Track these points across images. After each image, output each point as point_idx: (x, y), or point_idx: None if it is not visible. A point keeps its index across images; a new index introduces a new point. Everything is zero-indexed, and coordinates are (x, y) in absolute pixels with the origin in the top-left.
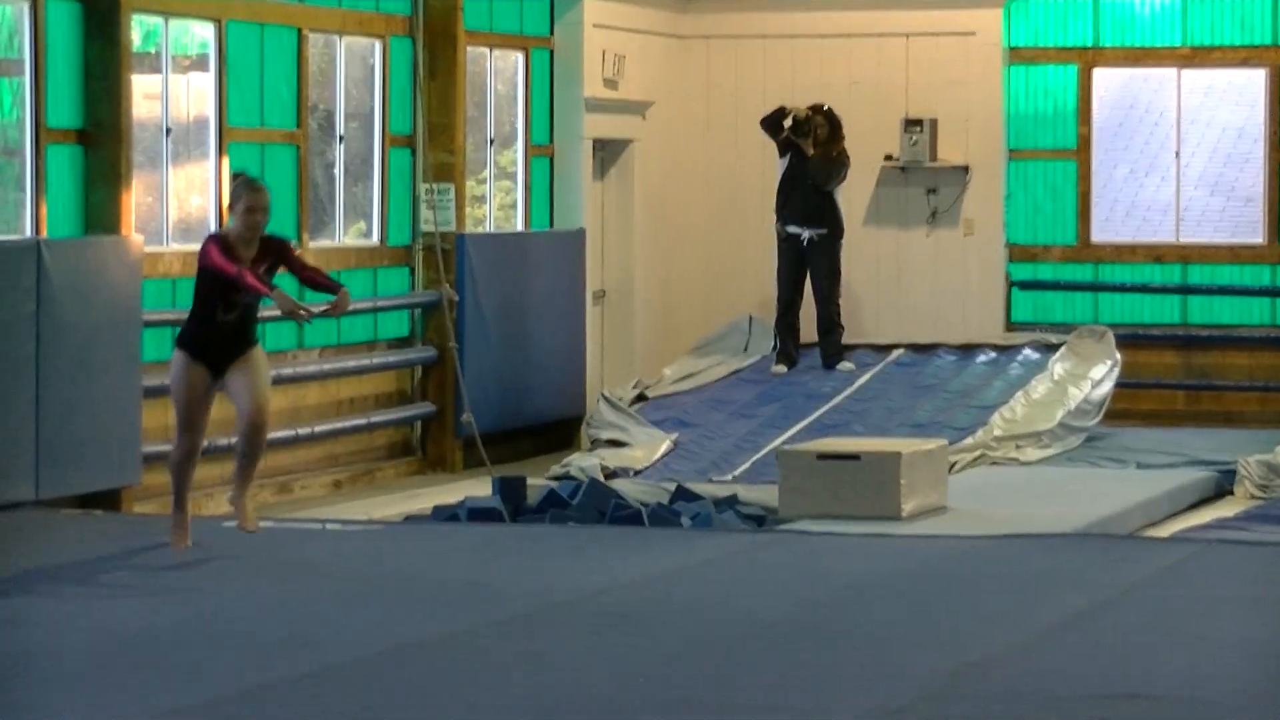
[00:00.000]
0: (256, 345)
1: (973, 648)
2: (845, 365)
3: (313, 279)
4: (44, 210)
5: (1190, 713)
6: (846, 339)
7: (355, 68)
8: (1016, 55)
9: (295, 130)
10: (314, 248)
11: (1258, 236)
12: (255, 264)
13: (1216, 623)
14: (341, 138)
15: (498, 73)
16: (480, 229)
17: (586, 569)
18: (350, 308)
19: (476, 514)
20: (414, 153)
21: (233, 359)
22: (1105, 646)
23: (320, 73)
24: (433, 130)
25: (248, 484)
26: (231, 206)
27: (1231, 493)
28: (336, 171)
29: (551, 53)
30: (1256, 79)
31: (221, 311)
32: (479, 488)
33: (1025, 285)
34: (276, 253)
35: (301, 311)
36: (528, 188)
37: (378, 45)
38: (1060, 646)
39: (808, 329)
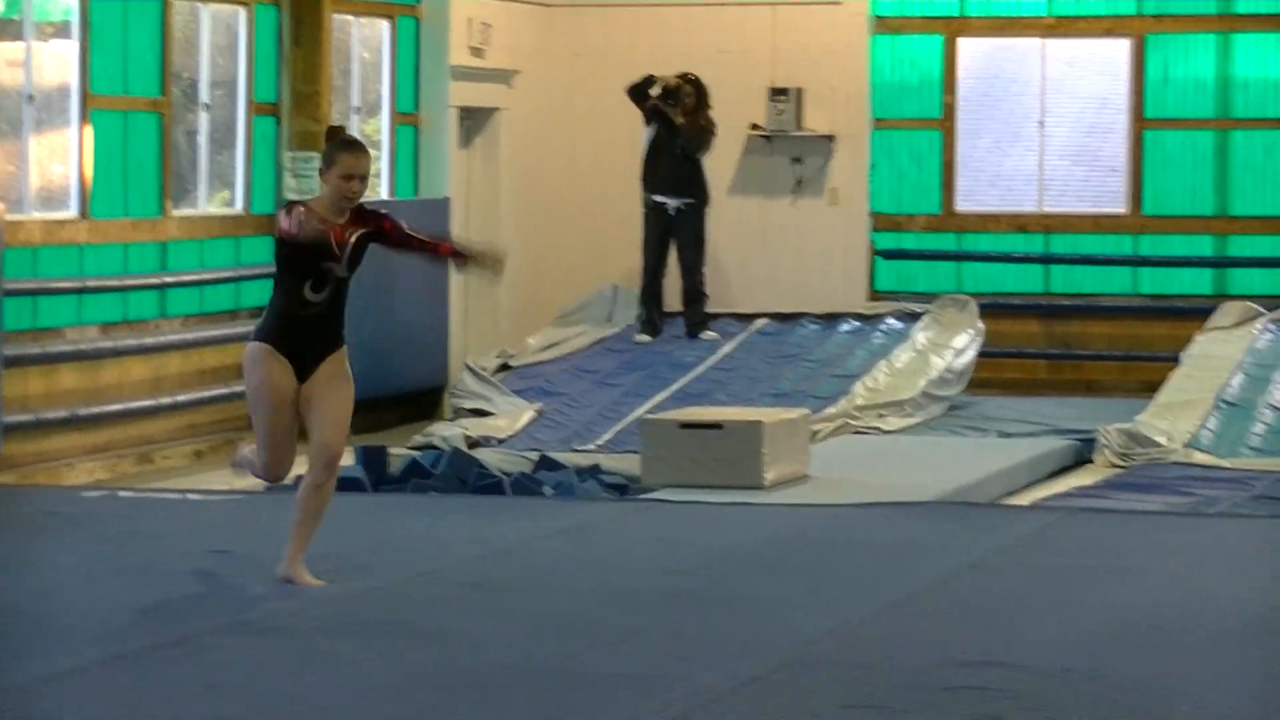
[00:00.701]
0: (344, 348)
1: (833, 616)
2: (709, 334)
3: (421, 245)
4: None
5: (1049, 680)
6: (711, 308)
7: (220, 35)
8: (882, 24)
9: (159, 98)
10: (177, 215)
11: (1120, 206)
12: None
13: (1076, 590)
14: (206, 105)
15: (364, 40)
16: None
17: (449, 538)
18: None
19: (339, 483)
20: (279, 121)
21: (320, 358)
22: (965, 614)
23: (185, 40)
24: (298, 98)
25: (308, 542)
26: (324, 170)
27: (1091, 461)
28: (200, 140)
29: (418, 20)
30: (1120, 49)
31: (311, 289)
32: (342, 458)
33: (889, 254)
34: (373, 225)
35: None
36: (393, 156)
37: (243, 12)
38: (920, 614)
39: (672, 298)
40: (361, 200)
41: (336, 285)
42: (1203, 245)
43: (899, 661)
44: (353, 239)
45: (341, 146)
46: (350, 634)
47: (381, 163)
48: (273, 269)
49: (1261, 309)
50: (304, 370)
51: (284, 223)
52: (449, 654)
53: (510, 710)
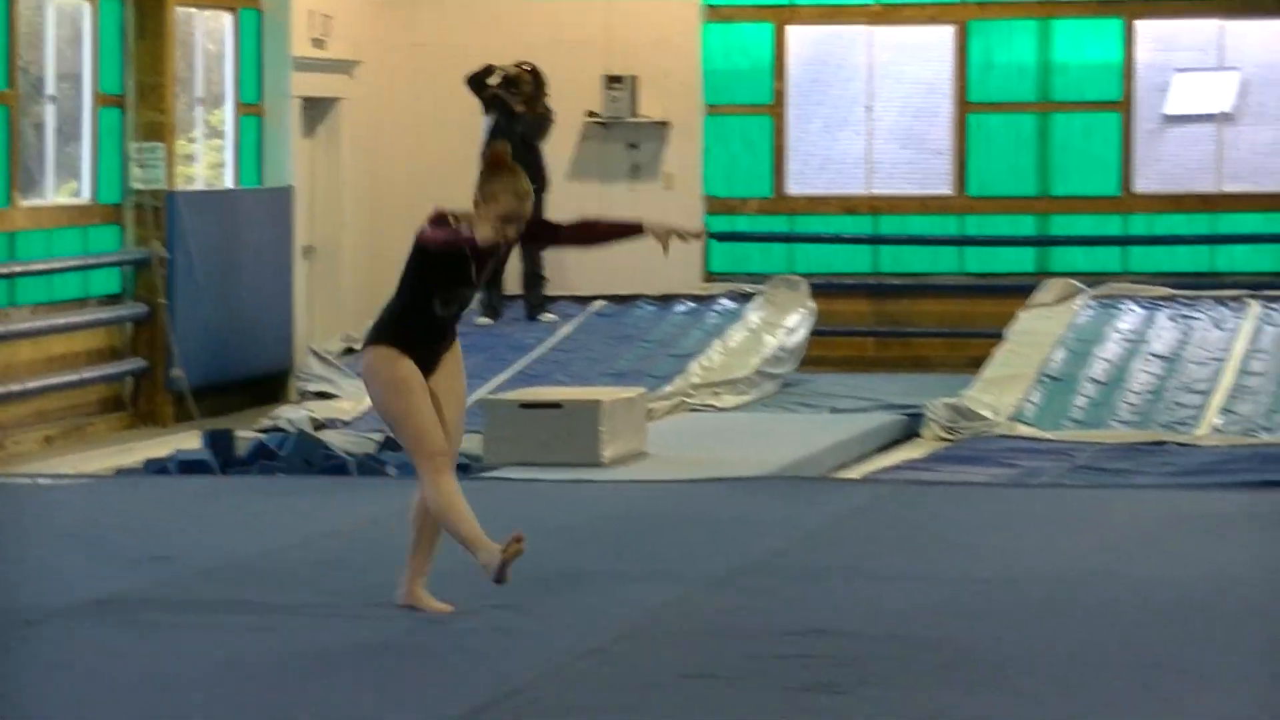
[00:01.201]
0: (458, 344)
1: (670, 588)
2: (548, 316)
3: (586, 234)
4: None
5: (878, 648)
6: (549, 291)
7: (65, 28)
8: (714, 13)
9: (6, 91)
10: (25, 206)
11: (946, 188)
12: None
13: (905, 560)
14: (52, 98)
15: (208, 33)
16: (191, 187)
17: (294, 519)
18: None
19: (187, 466)
20: (124, 112)
21: (438, 359)
22: (798, 585)
23: (31, 33)
24: (142, 90)
25: (430, 563)
26: (481, 201)
27: (920, 435)
28: (47, 131)
29: (260, 13)
30: (944, 35)
31: (440, 305)
32: (190, 441)
33: (722, 237)
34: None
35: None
36: (237, 146)
37: (87, 6)
38: (755, 584)
39: (512, 281)
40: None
41: (465, 301)
42: (1025, 225)
43: (734, 631)
44: (489, 268)
45: (505, 186)
46: (198, 612)
47: (226, 153)
48: (118, 256)
49: (1082, 286)
50: (426, 370)
51: (439, 234)
52: (295, 630)
53: (353, 683)
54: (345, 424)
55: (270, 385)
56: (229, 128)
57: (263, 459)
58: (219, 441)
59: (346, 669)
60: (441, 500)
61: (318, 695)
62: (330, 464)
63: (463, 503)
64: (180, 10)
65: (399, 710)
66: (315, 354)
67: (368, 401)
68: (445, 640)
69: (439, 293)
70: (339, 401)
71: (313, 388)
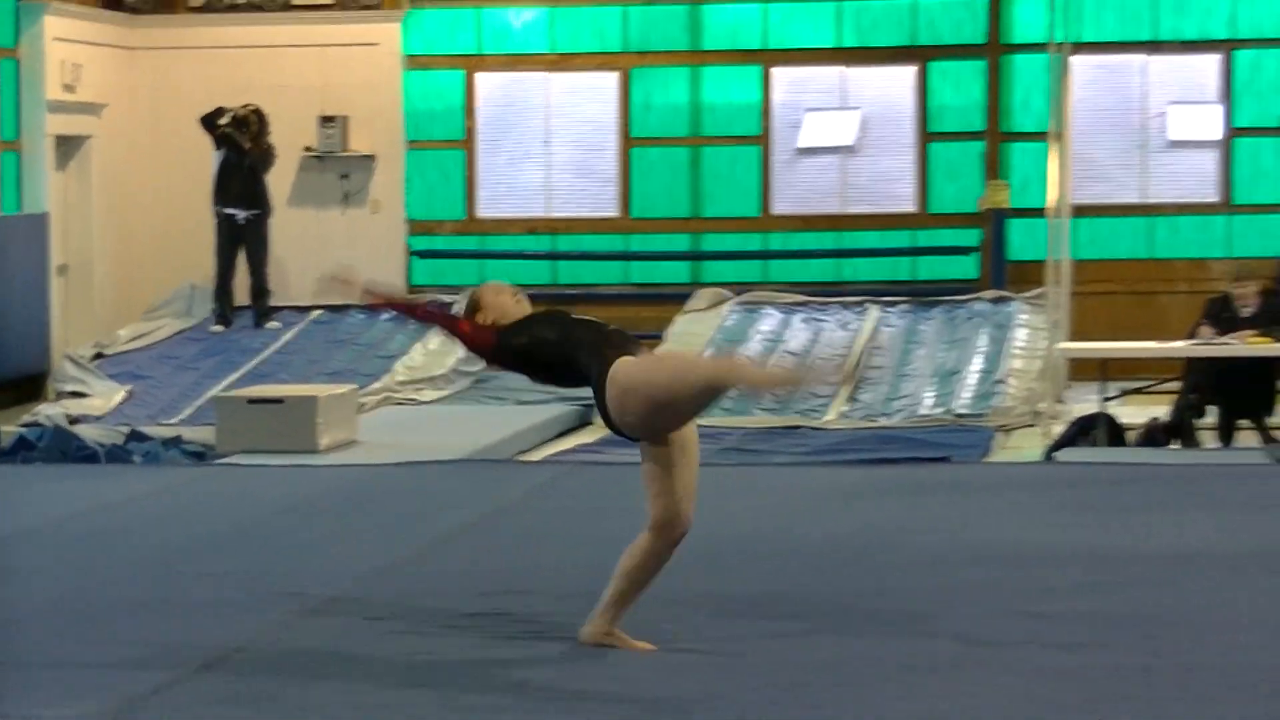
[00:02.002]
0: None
1: (376, 557)
2: (273, 324)
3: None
4: None
5: (559, 603)
6: (274, 302)
7: None
8: (412, 62)
9: None
10: None
11: (613, 210)
12: None
13: (581, 527)
14: None
15: None
16: None
17: (51, 500)
18: None
19: None
20: None
21: None
22: (489, 552)
23: None
24: None
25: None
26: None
27: (592, 423)
28: None
29: (18, 62)
30: (610, 80)
31: None
32: None
33: (423, 254)
34: None
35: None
36: None
37: None
38: (451, 553)
39: (241, 294)
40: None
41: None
42: (680, 242)
43: (433, 593)
44: None
45: (475, 293)
46: None
47: None
48: None
49: (729, 294)
50: None
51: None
52: (55, 591)
53: (107, 634)
54: (96, 419)
55: (30, 386)
56: None
57: (24, 450)
58: None
59: (94, 623)
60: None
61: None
62: (83, 454)
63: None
64: None
65: (141, 665)
66: (70, 359)
67: (116, 399)
68: (186, 597)
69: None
70: (90, 400)
71: (68, 388)
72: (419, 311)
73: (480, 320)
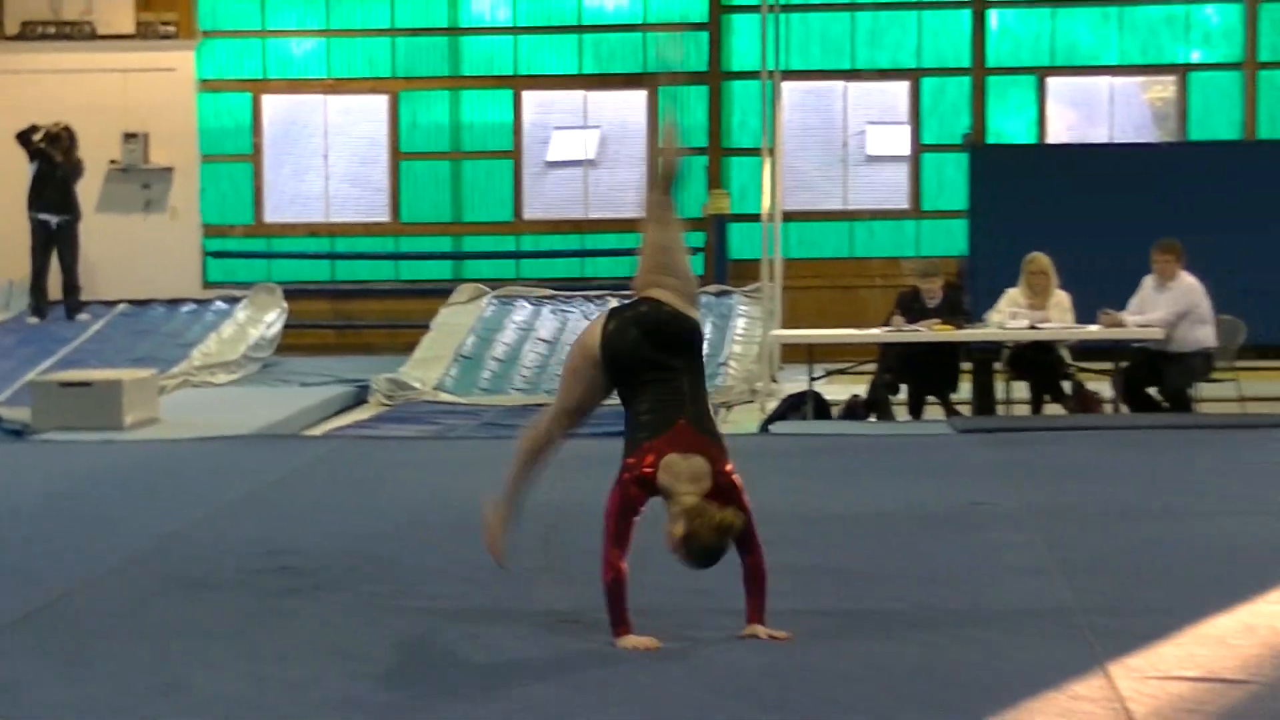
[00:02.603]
0: None
1: (172, 521)
2: (83, 316)
3: None
4: None
5: (335, 561)
6: (83, 297)
7: None
8: (205, 85)
9: None
10: None
11: (385, 216)
12: None
13: (354, 496)
14: None
15: None
16: None
17: None
18: None
19: None
20: None
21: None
22: (274, 516)
23: None
24: None
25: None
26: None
27: (367, 401)
28: None
29: None
30: (380, 102)
31: None
32: None
33: (217, 255)
34: None
35: None
36: None
37: None
38: (239, 517)
39: (54, 290)
40: None
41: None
42: (444, 243)
43: (222, 552)
44: None
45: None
46: None
47: None
48: None
49: (487, 289)
50: None
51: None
52: None
53: None
54: None
55: None
56: None
57: None
58: None
59: None
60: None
61: None
62: None
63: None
64: None
65: None
66: None
67: None
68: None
69: None
70: None
71: None
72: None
73: None
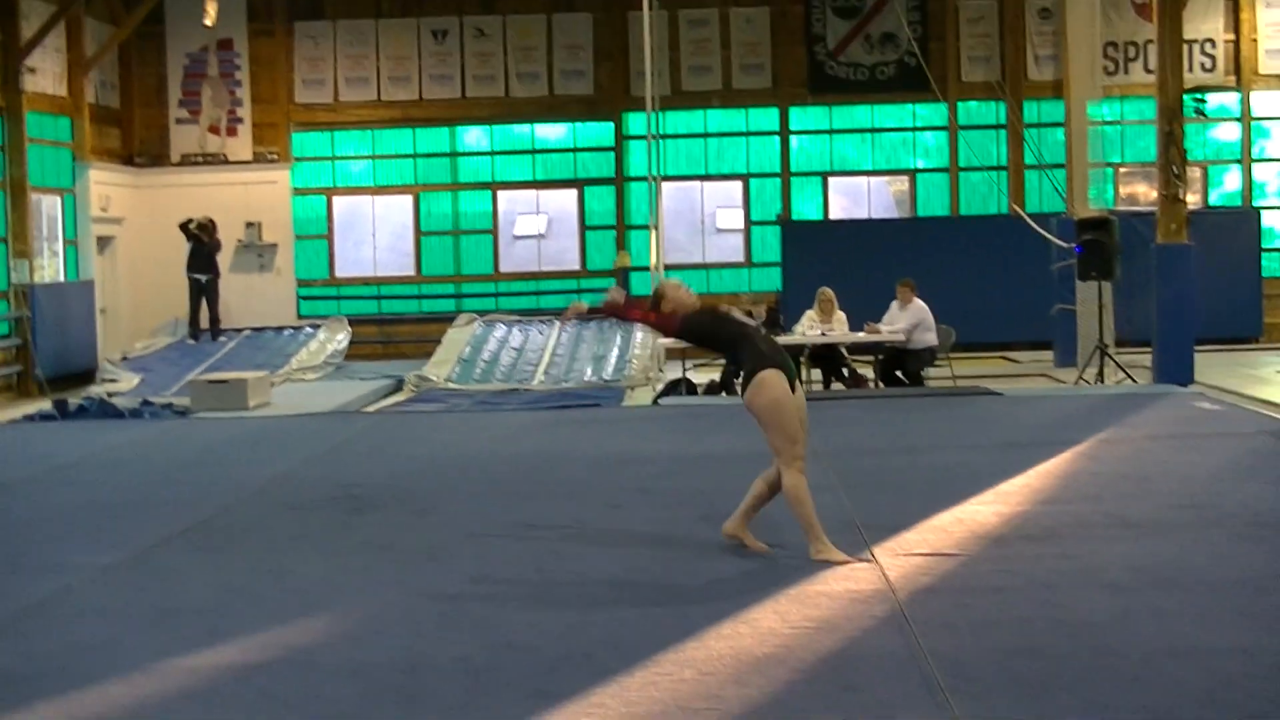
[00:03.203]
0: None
1: (280, 466)
2: (222, 339)
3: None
4: None
5: (383, 492)
6: (222, 326)
7: None
8: (297, 191)
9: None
10: None
11: (411, 271)
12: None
13: (398, 447)
14: None
15: (49, 204)
16: (41, 281)
17: (96, 442)
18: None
19: (46, 416)
20: (6, 245)
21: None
22: (346, 461)
23: None
24: (15, 233)
25: (755, 515)
26: (664, 302)
27: (402, 390)
28: None
29: (74, 195)
30: (407, 200)
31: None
32: (45, 404)
33: (306, 298)
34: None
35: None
36: (64, 262)
37: None
38: (324, 461)
39: (203, 322)
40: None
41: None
42: (449, 288)
43: (312, 485)
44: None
45: (658, 291)
46: None
47: (59, 264)
48: None
49: (477, 316)
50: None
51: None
52: (87, 496)
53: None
54: (123, 394)
55: (85, 377)
56: (60, 252)
57: (81, 412)
58: (60, 404)
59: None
60: (798, 491)
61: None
62: (114, 413)
63: (809, 495)
64: (33, 195)
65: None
66: (108, 360)
67: (134, 382)
68: (159, 497)
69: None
70: (119, 383)
71: (107, 376)
72: (626, 314)
73: (664, 308)
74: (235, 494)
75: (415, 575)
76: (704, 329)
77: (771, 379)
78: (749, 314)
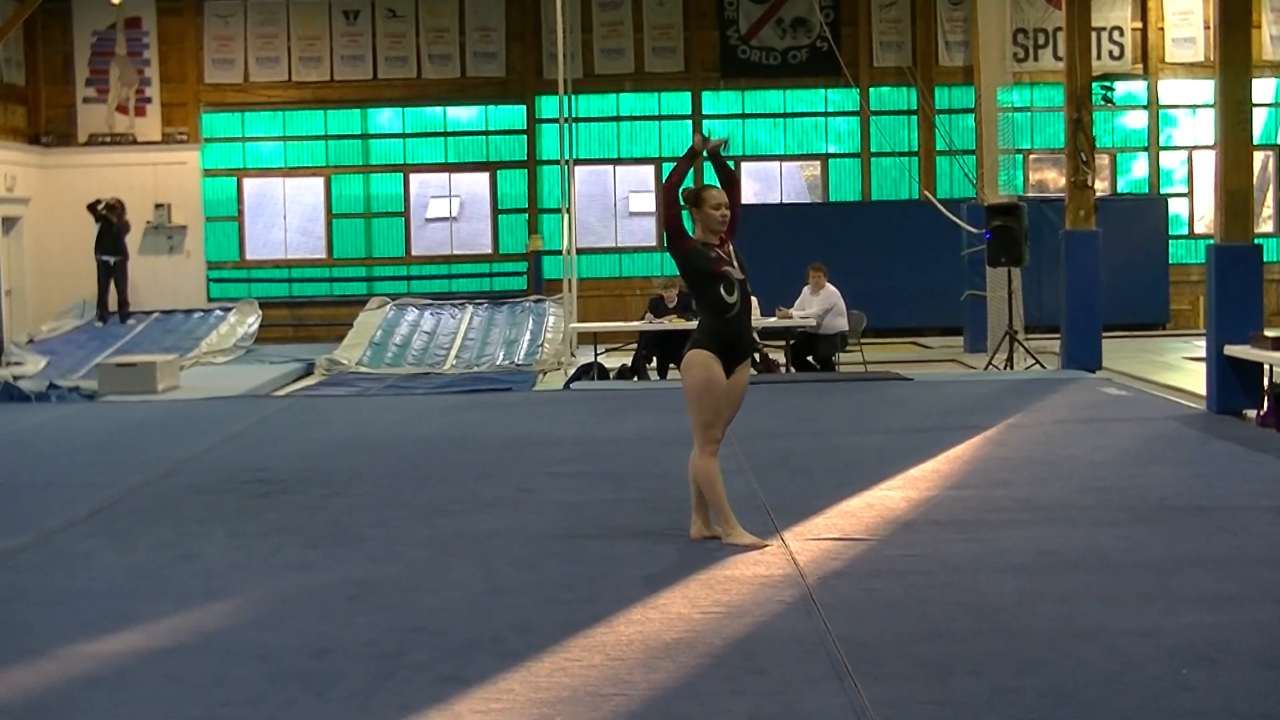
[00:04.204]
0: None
1: (188, 450)
2: (131, 321)
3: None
4: None
5: (292, 475)
6: (131, 309)
7: None
8: (207, 173)
9: None
10: None
11: (322, 254)
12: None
13: (310, 430)
14: None
15: None
16: None
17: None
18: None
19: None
20: None
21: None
22: (253, 445)
23: None
24: None
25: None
26: (696, 209)
27: (313, 373)
28: None
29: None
30: (319, 182)
31: (725, 291)
32: None
33: (216, 280)
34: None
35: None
36: None
37: None
38: (231, 445)
39: (111, 304)
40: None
41: (743, 288)
42: (361, 271)
43: (219, 469)
44: (733, 249)
45: (704, 189)
46: None
47: None
48: None
49: (389, 300)
50: (729, 370)
51: (684, 244)
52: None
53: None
54: (30, 377)
55: None
56: None
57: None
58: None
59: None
60: (710, 474)
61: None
62: (21, 397)
63: (721, 479)
64: None
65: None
66: (13, 343)
67: (40, 365)
68: (55, 480)
69: (719, 283)
70: (26, 366)
71: (13, 359)
72: (671, 177)
73: (694, 214)
74: (142, 477)
75: (323, 558)
76: (700, 269)
77: (703, 359)
78: (661, 298)
